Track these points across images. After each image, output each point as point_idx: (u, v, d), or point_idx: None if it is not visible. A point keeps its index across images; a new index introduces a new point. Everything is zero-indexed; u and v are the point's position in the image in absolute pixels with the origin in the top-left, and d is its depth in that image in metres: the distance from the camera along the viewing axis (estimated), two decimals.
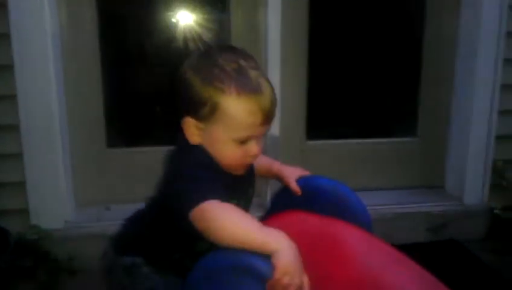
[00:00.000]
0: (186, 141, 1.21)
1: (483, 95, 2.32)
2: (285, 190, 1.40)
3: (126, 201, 2.21)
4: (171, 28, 2.27)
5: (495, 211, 2.35)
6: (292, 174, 1.37)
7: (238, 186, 1.26)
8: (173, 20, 2.27)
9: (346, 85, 2.52)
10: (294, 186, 1.34)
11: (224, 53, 1.15)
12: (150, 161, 2.28)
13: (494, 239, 2.37)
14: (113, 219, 2.14)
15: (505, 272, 2.07)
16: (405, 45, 2.53)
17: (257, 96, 1.10)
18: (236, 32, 2.28)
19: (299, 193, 1.34)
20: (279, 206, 1.39)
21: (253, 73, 1.12)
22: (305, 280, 1.02)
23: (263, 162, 1.40)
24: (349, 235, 1.26)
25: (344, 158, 2.51)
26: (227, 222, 1.05)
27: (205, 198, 1.06)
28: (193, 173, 1.14)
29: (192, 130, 1.18)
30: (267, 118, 1.13)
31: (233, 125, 1.12)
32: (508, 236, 2.30)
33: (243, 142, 1.15)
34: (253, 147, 1.17)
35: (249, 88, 1.10)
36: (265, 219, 1.26)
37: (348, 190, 1.37)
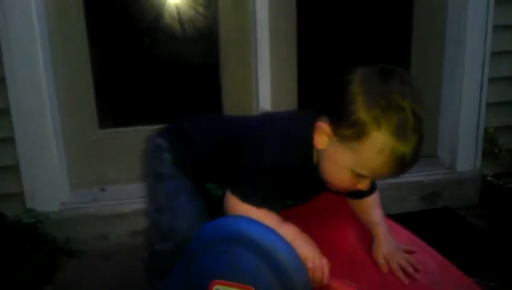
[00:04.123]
0: (302, 128, 1.15)
1: (474, 63, 2.31)
2: None
3: (120, 181, 2.23)
4: (160, 5, 2.25)
5: (487, 178, 2.37)
6: (379, 250, 1.22)
7: (304, 192, 1.26)
8: None
9: (336, 57, 2.49)
10: (381, 263, 1.19)
11: (402, 87, 1.03)
12: (142, 140, 2.29)
13: (487, 205, 2.39)
14: (108, 200, 2.16)
15: (497, 237, 2.09)
16: (396, 11, 2.50)
17: (404, 151, 1.01)
18: (224, 7, 2.27)
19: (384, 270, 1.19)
20: None
21: (415, 123, 1.01)
22: (324, 261, 1.09)
23: (372, 215, 1.29)
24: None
25: None
26: None
27: (246, 200, 1.15)
28: (266, 173, 1.14)
29: (323, 137, 1.11)
30: (399, 172, 1.07)
31: (363, 162, 1.05)
32: (500, 202, 2.32)
33: (358, 175, 1.10)
34: (364, 184, 1.13)
35: (402, 139, 1.00)
36: None
37: None
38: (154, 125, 2.30)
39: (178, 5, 2.26)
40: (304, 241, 1.12)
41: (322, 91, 1.14)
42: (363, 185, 1.13)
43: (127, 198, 2.13)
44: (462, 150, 2.42)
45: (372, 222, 1.27)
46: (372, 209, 1.29)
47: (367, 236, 1.26)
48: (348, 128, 1.04)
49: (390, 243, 1.22)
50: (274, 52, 2.23)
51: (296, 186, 1.23)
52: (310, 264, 1.07)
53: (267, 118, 1.27)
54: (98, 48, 2.22)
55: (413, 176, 2.38)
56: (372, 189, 1.28)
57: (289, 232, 1.11)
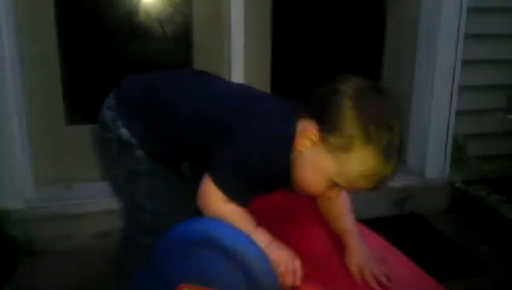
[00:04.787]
0: (286, 126, 1.13)
1: (445, 71, 2.34)
2: None
3: (87, 179, 2.19)
4: (132, 1, 2.21)
5: (456, 185, 2.38)
6: (352, 259, 1.20)
7: (273, 188, 1.25)
8: None
9: (310, 55, 2.49)
10: (354, 272, 1.18)
11: (393, 107, 1.07)
12: None
13: (455, 213, 2.41)
14: (74, 198, 2.12)
15: (465, 244, 2.11)
16: (370, 13, 2.51)
17: (386, 169, 1.04)
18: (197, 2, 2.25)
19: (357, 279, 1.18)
20: None
21: (398, 143, 1.05)
22: (298, 263, 1.08)
23: (343, 222, 1.27)
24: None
25: None
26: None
27: (231, 198, 1.11)
28: (247, 170, 1.11)
29: (306, 141, 1.09)
30: (374, 188, 1.08)
31: (344, 173, 1.06)
32: (469, 209, 2.34)
33: (333, 184, 1.10)
34: (334, 193, 1.13)
35: (386, 158, 1.03)
36: None
37: None
38: None
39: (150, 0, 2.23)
40: (278, 246, 1.11)
41: (310, 95, 1.13)
42: (333, 193, 1.14)
43: (93, 197, 2.09)
44: (431, 157, 2.44)
45: (344, 230, 1.26)
46: (344, 216, 1.28)
47: (341, 243, 1.25)
48: (338, 138, 1.04)
49: (363, 252, 1.21)
50: (248, 44, 2.20)
51: (270, 185, 1.21)
52: (282, 268, 1.07)
53: (250, 103, 1.22)
54: (67, 44, 2.16)
55: None
56: None
57: (263, 237, 1.11)
